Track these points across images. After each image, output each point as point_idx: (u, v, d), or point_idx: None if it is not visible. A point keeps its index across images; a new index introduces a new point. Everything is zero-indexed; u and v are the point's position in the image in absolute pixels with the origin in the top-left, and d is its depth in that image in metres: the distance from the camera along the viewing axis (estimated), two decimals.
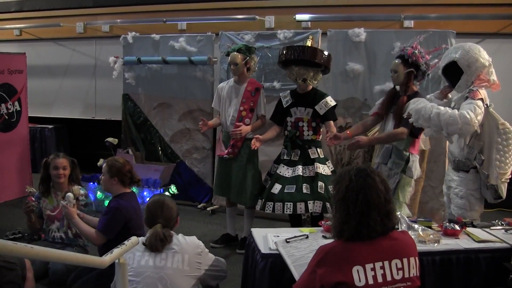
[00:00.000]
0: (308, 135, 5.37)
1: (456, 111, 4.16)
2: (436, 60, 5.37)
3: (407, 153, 4.87)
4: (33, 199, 5.03)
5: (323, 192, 5.07)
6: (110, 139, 7.38)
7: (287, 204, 5.09)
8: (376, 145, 5.59)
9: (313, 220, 5.37)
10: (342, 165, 6.43)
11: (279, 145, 6.51)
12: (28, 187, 5.17)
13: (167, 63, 7.83)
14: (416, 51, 4.87)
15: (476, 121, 4.10)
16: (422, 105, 4.30)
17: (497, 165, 4.31)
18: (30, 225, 5.12)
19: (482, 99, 4.22)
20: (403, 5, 5.69)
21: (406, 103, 4.75)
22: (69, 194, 4.48)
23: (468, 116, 4.06)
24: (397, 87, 5.09)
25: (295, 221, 5.46)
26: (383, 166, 5.03)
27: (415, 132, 4.85)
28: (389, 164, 4.94)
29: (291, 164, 5.33)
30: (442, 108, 4.23)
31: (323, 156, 5.42)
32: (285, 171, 5.31)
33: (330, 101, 5.39)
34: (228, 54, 5.82)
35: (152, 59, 7.92)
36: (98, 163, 6.72)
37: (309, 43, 5.47)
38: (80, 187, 5.05)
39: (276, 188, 5.23)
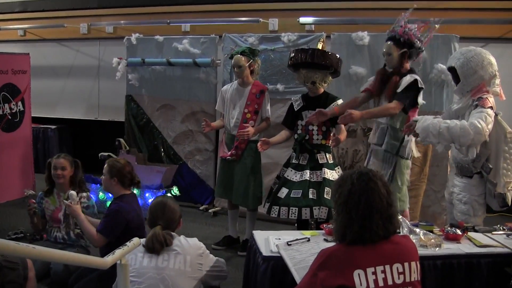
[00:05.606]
0: (317, 139, 5.24)
1: (465, 121, 4.13)
2: (428, 36, 5.07)
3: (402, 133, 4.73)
4: (34, 201, 5.01)
5: (329, 198, 4.93)
6: (123, 141, 7.46)
7: (292, 209, 5.01)
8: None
9: (318, 227, 5.28)
10: (344, 168, 6.41)
11: (282, 148, 6.52)
12: (27, 190, 5.14)
13: (171, 65, 7.84)
14: (407, 29, 4.77)
15: (487, 130, 4.08)
16: (429, 122, 4.22)
17: (504, 174, 4.29)
18: (33, 226, 5.15)
19: (491, 107, 4.20)
20: (406, 8, 5.68)
21: (398, 82, 4.73)
22: (72, 192, 4.52)
23: (479, 126, 4.03)
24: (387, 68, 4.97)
25: (301, 225, 5.31)
26: (378, 148, 4.98)
27: (407, 108, 4.74)
28: (383, 146, 4.88)
29: (299, 168, 5.21)
30: (449, 121, 4.19)
31: (332, 162, 5.29)
32: (292, 175, 5.22)
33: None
34: (231, 57, 5.82)
35: (156, 61, 7.93)
36: (100, 154, 6.82)
37: (319, 46, 5.43)
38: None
39: (283, 192, 5.15)
